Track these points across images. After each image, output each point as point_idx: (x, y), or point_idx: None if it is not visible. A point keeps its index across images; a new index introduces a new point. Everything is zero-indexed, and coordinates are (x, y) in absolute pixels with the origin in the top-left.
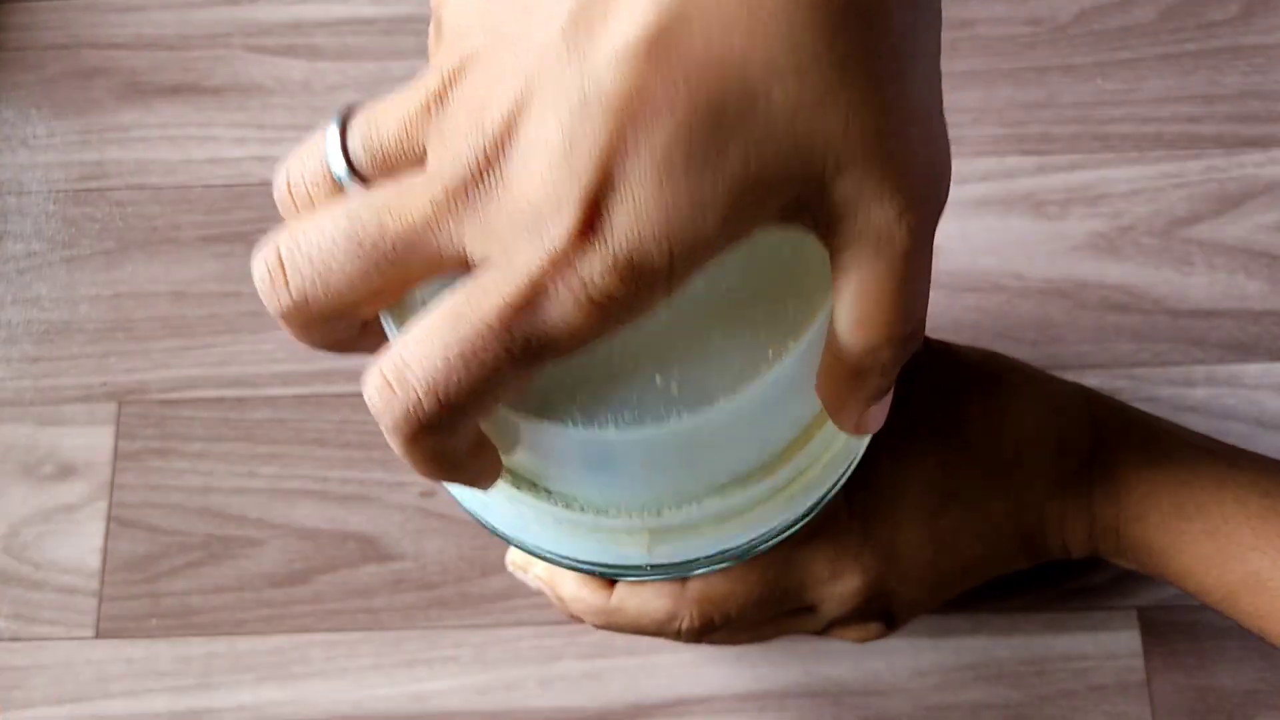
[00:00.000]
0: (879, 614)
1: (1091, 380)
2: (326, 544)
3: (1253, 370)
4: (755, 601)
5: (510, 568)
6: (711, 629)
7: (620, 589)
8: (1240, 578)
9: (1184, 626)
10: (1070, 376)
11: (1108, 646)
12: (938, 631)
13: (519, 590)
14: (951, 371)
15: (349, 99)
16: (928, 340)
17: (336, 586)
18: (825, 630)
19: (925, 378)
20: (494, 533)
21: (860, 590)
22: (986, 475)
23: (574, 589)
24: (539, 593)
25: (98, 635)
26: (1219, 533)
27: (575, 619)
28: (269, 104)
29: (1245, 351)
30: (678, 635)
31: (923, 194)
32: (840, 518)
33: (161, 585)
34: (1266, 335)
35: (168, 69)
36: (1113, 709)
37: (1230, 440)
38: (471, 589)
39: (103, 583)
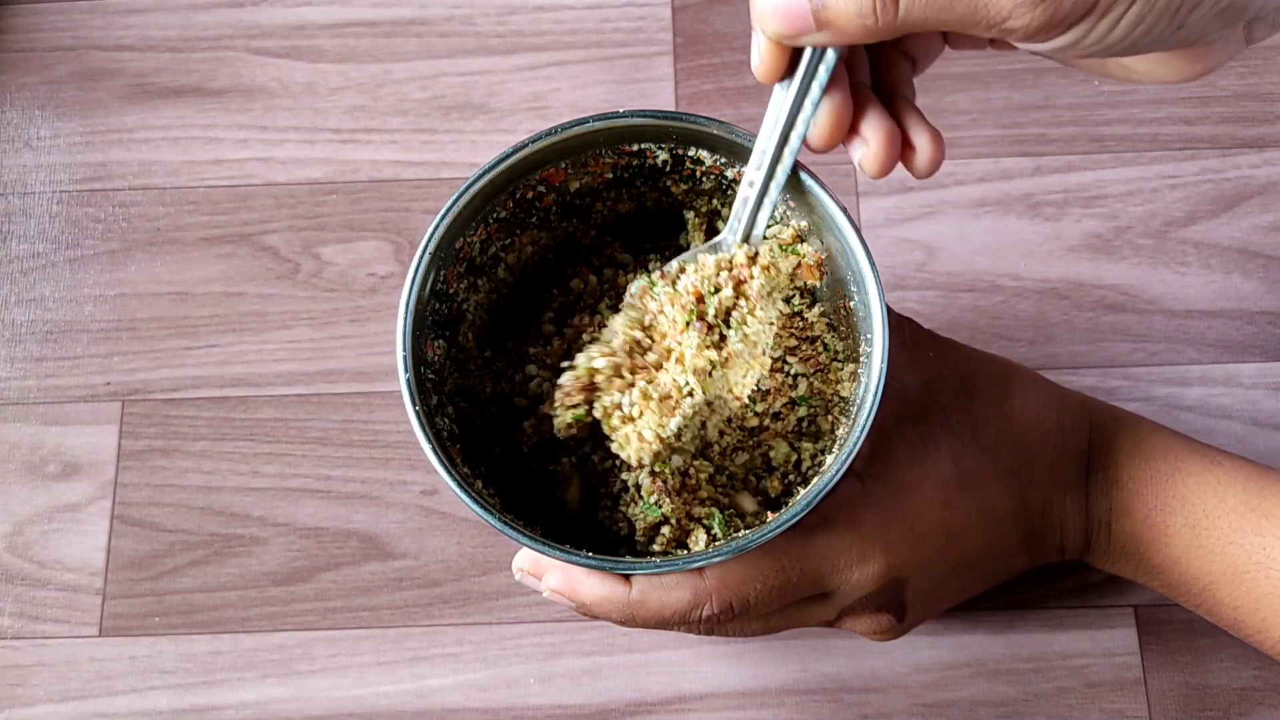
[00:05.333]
0: (891, 603)
1: (1088, 380)
2: (329, 542)
3: (1248, 370)
4: (774, 588)
5: (519, 575)
6: (731, 616)
7: (639, 582)
8: (1219, 569)
9: (1180, 625)
10: (1067, 376)
11: (1105, 644)
12: (936, 629)
13: (520, 588)
14: (960, 368)
15: (351, 101)
16: (935, 336)
17: (339, 584)
18: (836, 620)
19: (936, 372)
20: (514, 538)
21: (879, 575)
22: (996, 470)
23: (594, 588)
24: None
25: (101, 633)
26: (1199, 526)
27: (593, 618)
28: (272, 106)
29: (1240, 351)
30: (698, 624)
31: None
32: (858, 506)
33: (165, 583)
34: (1261, 335)
35: (171, 71)
36: (1110, 706)
37: (1225, 439)
38: (472, 587)
39: (106, 581)
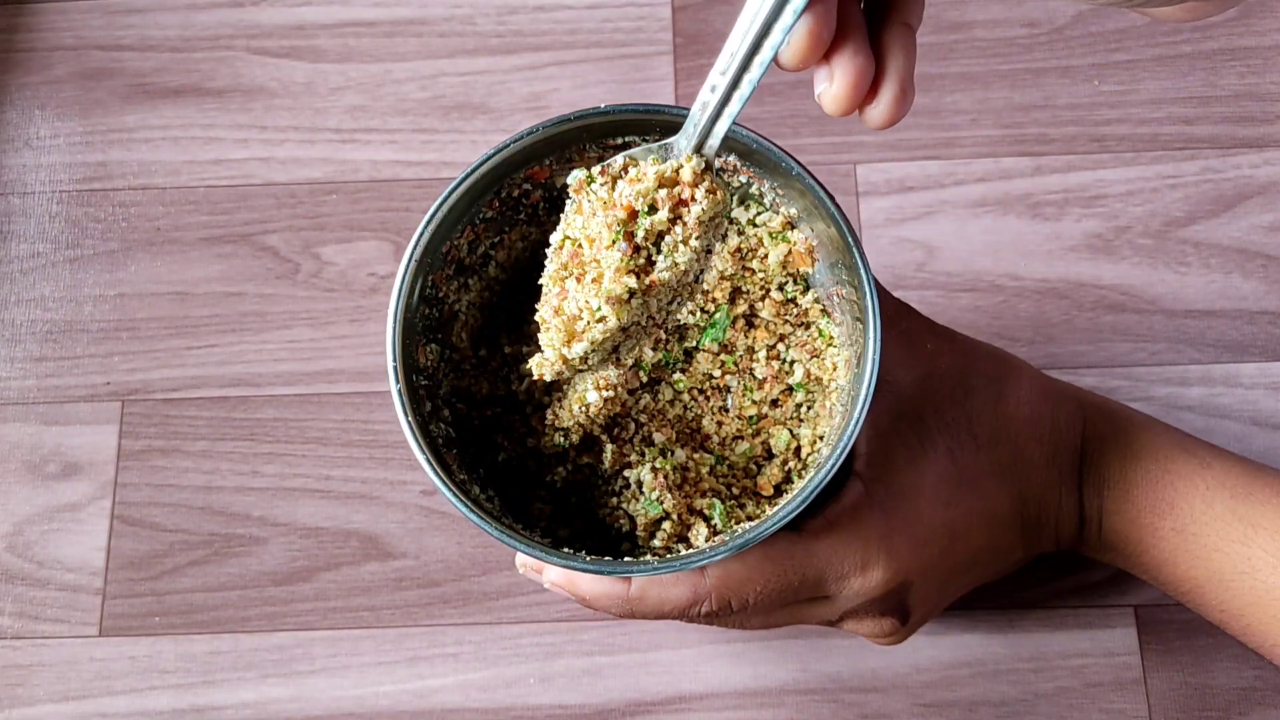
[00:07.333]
0: (896, 608)
1: (1088, 380)
2: (329, 542)
3: (1248, 370)
4: (774, 590)
5: (521, 569)
6: (729, 613)
7: (639, 579)
8: (1204, 574)
9: (1180, 624)
10: (1067, 376)
11: (1105, 644)
12: (936, 629)
13: (520, 588)
14: (956, 363)
15: (351, 101)
16: (933, 326)
17: (338, 584)
18: (838, 622)
19: (933, 367)
20: (512, 545)
21: (883, 582)
22: (992, 466)
23: (594, 584)
24: (542, 589)
25: (101, 633)
26: (1186, 531)
27: (595, 610)
28: (272, 105)
29: (1240, 351)
30: (697, 618)
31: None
32: (861, 510)
33: (165, 583)
34: (1262, 335)
35: (171, 71)
36: (1109, 706)
37: (1225, 439)
38: (472, 587)
39: (106, 581)
